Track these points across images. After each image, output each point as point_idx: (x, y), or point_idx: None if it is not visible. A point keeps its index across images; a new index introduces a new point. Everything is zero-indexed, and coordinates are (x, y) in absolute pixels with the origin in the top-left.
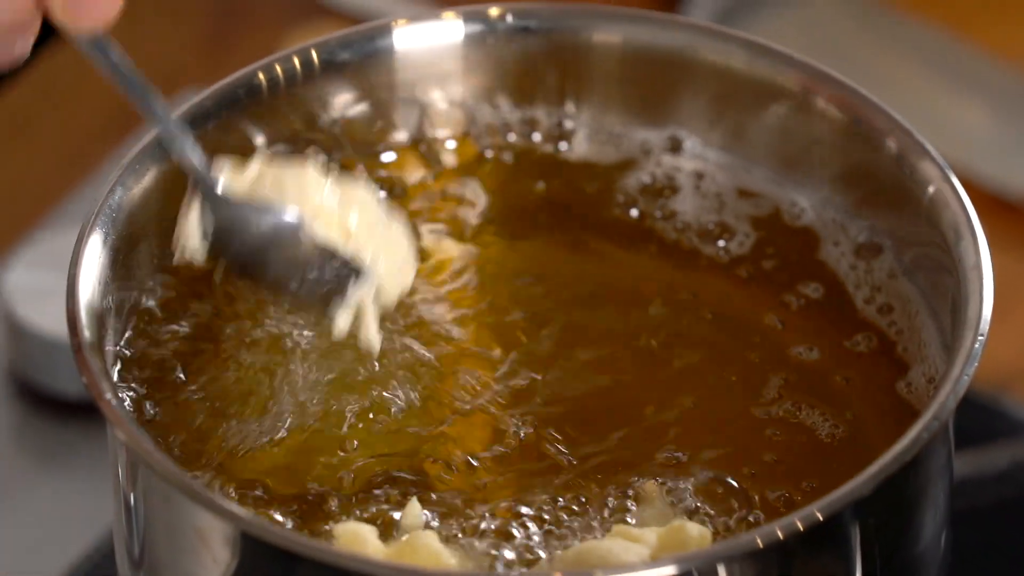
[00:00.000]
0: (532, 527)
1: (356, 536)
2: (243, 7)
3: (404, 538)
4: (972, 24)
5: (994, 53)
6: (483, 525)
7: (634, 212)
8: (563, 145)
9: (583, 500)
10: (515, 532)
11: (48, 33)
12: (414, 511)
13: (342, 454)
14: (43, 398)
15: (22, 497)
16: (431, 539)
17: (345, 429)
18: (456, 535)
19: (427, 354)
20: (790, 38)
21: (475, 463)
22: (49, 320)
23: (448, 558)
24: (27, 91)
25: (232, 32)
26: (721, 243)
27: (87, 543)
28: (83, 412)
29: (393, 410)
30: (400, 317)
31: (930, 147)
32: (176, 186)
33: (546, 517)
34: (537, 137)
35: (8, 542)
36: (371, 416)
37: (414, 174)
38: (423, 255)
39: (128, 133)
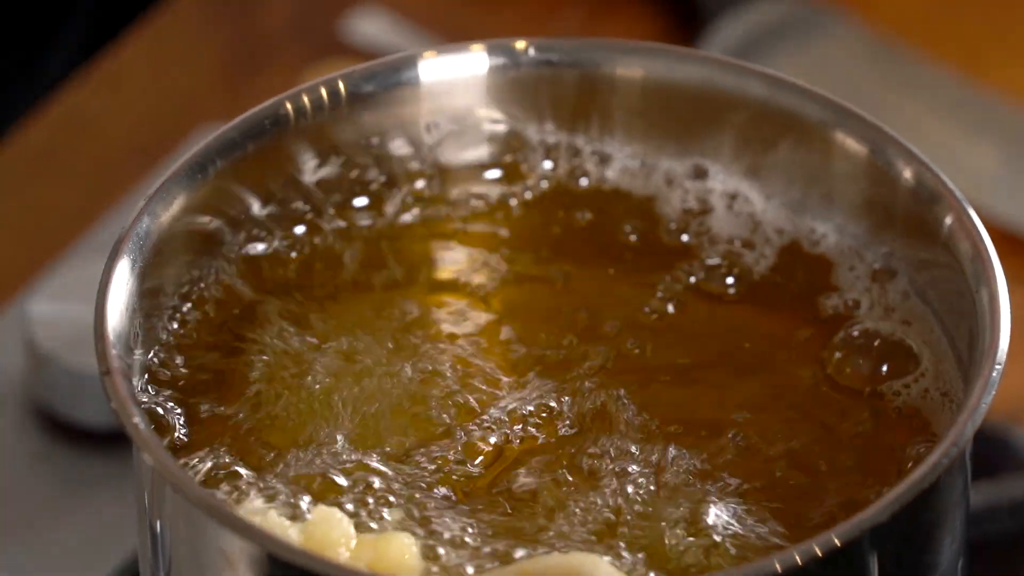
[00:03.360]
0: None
1: (329, 520)
2: (262, 45)
3: (378, 533)
4: (983, 64)
5: (1005, 93)
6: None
7: (658, 239)
8: (587, 175)
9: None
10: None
11: (73, 62)
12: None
13: (364, 480)
14: (66, 428)
15: (45, 527)
16: (405, 540)
17: (374, 454)
18: (443, 549)
19: (459, 387)
20: (802, 77)
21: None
22: (72, 350)
23: (415, 560)
24: (52, 123)
25: (251, 69)
26: (742, 269)
27: (109, 573)
28: (105, 442)
29: (419, 423)
30: (439, 351)
31: (947, 179)
32: (203, 213)
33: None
34: (562, 168)
35: (32, 572)
36: (403, 432)
37: (441, 204)
38: (457, 286)
39: (151, 167)
